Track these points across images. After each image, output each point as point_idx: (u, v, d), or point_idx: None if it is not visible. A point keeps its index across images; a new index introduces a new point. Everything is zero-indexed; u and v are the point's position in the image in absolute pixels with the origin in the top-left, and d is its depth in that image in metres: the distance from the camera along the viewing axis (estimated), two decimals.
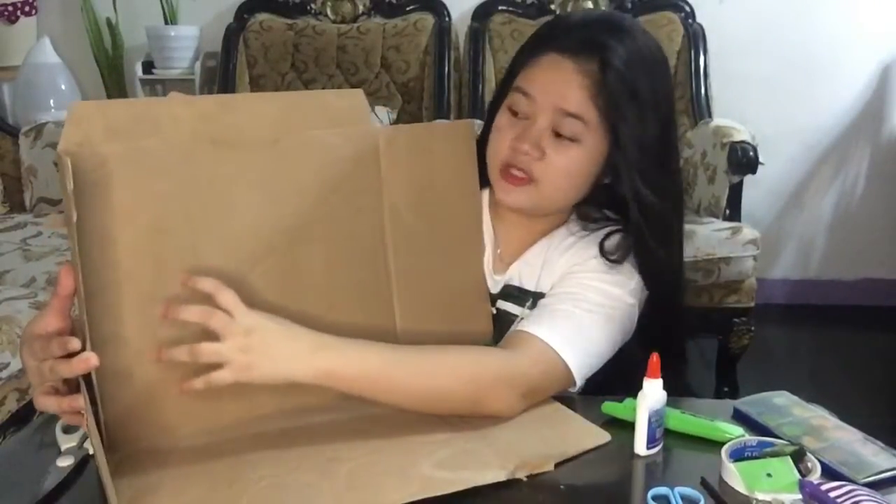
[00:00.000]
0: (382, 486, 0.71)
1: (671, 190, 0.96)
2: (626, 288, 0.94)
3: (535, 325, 0.89)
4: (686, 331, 1.08)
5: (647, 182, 0.92)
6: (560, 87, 0.91)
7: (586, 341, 0.90)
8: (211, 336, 0.73)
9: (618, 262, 0.95)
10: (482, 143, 0.97)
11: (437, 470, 0.73)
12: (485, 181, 0.97)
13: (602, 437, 0.81)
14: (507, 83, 0.98)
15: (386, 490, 0.70)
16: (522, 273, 1.00)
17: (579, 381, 0.89)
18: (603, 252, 0.95)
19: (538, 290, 0.98)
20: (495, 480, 0.72)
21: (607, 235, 0.97)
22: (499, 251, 1.02)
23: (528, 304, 0.99)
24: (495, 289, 1.01)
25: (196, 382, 0.73)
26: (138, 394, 0.75)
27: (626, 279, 0.95)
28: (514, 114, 0.94)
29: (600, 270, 0.94)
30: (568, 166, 0.92)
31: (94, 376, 0.69)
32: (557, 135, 0.91)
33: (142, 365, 0.74)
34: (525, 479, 0.73)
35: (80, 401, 0.69)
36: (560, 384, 0.88)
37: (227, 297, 0.73)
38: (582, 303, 0.91)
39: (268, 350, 0.74)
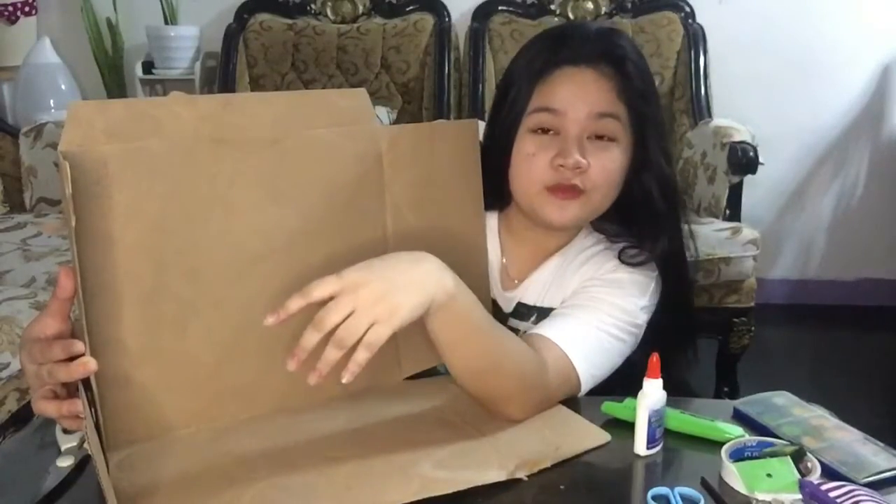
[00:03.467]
0: (382, 486, 0.71)
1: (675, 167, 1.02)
2: (639, 306, 0.95)
3: (557, 331, 0.89)
4: (696, 327, 1.09)
5: (668, 162, 0.96)
6: (587, 93, 0.92)
7: (598, 357, 0.91)
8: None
9: (640, 265, 0.96)
10: (496, 169, 0.95)
11: (437, 470, 0.73)
12: (488, 205, 0.95)
13: (602, 437, 0.81)
14: (511, 111, 0.95)
15: (386, 490, 0.70)
16: (533, 290, 1.01)
17: (582, 393, 0.90)
18: (622, 258, 0.96)
19: (544, 306, 0.99)
20: (495, 480, 0.72)
21: (624, 248, 0.97)
22: (510, 272, 1.03)
23: (533, 318, 0.99)
24: (508, 308, 1.01)
25: (358, 355, 0.68)
26: (137, 396, 0.75)
27: (641, 295, 0.95)
28: (540, 134, 0.93)
29: (616, 286, 0.95)
30: (610, 167, 0.93)
31: (92, 379, 0.69)
32: (593, 140, 0.92)
33: (141, 367, 0.74)
34: (525, 478, 0.73)
35: (80, 405, 0.69)
36: (569, 394, 0.89)
37: (318, 287, 0.69)
38: (599, 317, 0.92)
39: (398, 287, 0.71)
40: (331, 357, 0.68)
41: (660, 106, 0.99)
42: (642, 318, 0.95)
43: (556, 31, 1.00)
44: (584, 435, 0.81)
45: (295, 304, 0.69)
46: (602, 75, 0.92)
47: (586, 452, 0.78)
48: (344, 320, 0.69)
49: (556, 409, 0.86)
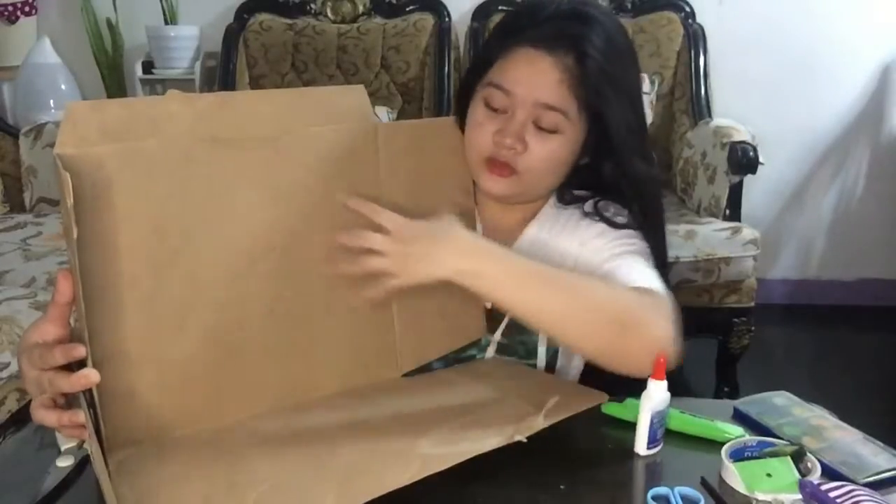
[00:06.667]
0: (382, 471, 0.70)
1: (653, 161, 0.99)
2: (637, 236, 0.96)
3: (628, 277, 0.87)
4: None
5: (638, 157, 0.95)
6: (538, 81, 0.91)
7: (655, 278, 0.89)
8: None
9: (627, 227, 0.96)
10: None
11: (435, 447, 0.73)
12: None
13: (599, 396, 0.81)
14: (476, 72, 0.98)
15: (386, 475, 0.69)
16: None
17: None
18: (607, 221, 0.97)
19: None
20: (495, 447, 0.71)
21: (596, 203, 0.99)
22: None
23: None
24: None
25: (371, 291, 0.79)
26: (137, 397, 0.74)
27: (633, 232, 0.96)
28: (491, 108, 0.94)
29: (608, 232, 0.96)
30: (549, 156, 0.93)
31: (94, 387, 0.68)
32: (538, 126, 0.92)
33: (140, 368, 0.74)
34: (525, 440, 0.72)
35: (80, 416, 0.68)
36: (671, 310, 0.84)
37: (386, 216, 0.80)
38: (624, 256, 0.92)
39: (425, 255, 0.78)
40: (346, 267, 0.79)
41: (626, 101, 0.93)
42: (644, 242, 0.96)
43: (531, 5, 0.97)
44: (581, 396, 0.82)
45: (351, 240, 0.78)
46: (559, 64, 0.90)
47: (586, 452, 0.79)
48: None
49: (552, 380, 0.86)
